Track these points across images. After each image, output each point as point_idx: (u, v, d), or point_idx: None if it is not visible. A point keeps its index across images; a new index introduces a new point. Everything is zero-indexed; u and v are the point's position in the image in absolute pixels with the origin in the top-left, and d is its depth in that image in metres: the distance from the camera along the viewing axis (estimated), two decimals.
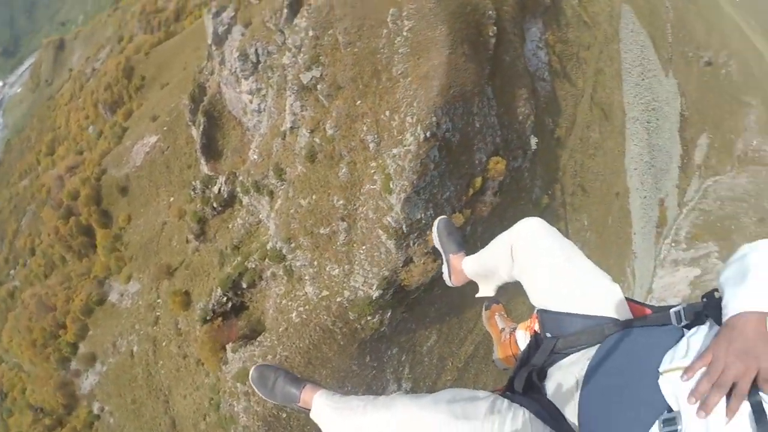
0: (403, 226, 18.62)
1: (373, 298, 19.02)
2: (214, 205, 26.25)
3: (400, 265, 19.07)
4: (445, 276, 2.63)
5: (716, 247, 42.21)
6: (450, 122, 19.08)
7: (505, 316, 2.68)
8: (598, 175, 33.69)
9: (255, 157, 24.07)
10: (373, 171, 19.19)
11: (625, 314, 1.73)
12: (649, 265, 40.42)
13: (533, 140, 25.50)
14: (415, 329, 21.82)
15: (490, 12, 21.69)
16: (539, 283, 1.86)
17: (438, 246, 2.63)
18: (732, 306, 1.31)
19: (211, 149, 27.09)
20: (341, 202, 19.80)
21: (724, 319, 1.32)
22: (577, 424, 1.50)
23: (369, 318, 19.59)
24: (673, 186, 42.61)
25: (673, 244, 42.79)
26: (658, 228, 41.21)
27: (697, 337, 1.39)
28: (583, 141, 32.48)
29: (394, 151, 18.47)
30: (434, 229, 2.62)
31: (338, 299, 19.55)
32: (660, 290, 41.31)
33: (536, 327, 1.95)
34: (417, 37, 19.61)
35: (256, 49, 24.92)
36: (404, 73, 19.32)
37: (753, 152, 48.15)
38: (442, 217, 2.66)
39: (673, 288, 41.50)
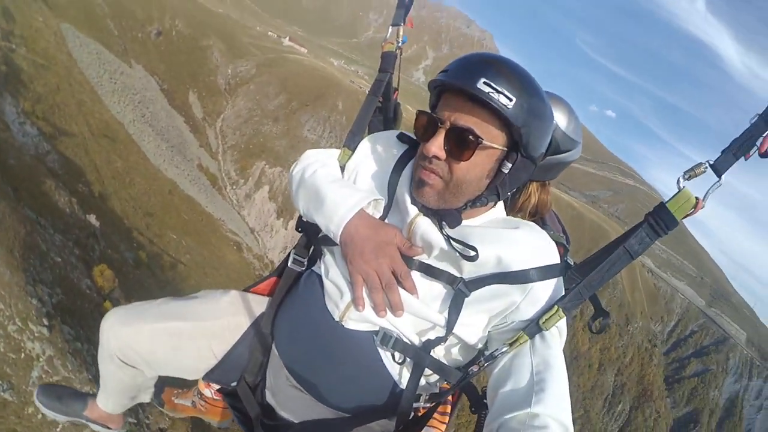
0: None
1: None
2: None
3: None
4: None
5: (263, 162, 51.37)
6: (43, 285, 15.49)
7: (181, 390, 2.46)
8: (146, 192, 33.94)
9: None
10: None
11: (261, 303, 1.61)
12: (235, 216, 46.05)
13: (91, 218, 23.95)
14: None
15: None
16: (171, 365, 1.61)
17: (64, 419, 2.07)
18: (333, 227, 1.30)
19: None
20: None
21: (337, 240, 1.30)
22: (339, 413, 1.42)
23: None
24: (198, 148, 47.28)
25: (234, 187, 49.39)
26: (214, 187, 46.40)
27: (333, 271, 1.37)
28: (116, 177, 31.54)
29: (34, 374, 14.76)
30: (41, 407, 2.06)
31: None
32: (256, 222, 48.54)
33: (216, 387, 1.80)
34: None
35: None
36: None
37: (233, 79, 56.79)
38: (36, 390, 2.11)
39: (264, 212, 49.19)
